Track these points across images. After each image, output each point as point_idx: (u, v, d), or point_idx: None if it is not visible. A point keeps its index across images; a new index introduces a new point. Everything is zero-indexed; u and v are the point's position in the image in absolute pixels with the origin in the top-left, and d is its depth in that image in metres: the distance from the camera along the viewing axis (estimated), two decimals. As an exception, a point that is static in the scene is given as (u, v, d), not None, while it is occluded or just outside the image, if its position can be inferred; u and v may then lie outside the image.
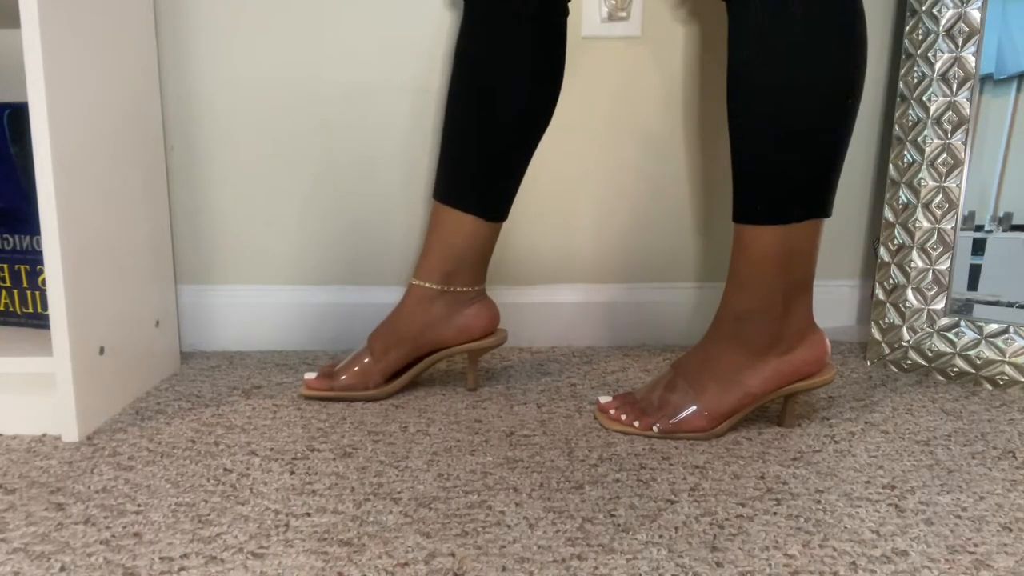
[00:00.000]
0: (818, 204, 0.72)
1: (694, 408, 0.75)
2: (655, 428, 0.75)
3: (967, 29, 0.93)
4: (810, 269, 0.74)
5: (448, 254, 0.84)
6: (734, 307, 0.76)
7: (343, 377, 0.86)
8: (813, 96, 0.69)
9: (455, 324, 0.86)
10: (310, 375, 0.87)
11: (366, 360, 0.86)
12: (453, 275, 0.85)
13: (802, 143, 0.70)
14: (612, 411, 0.78)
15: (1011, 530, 0.58)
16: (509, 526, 0.58)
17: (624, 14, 1.01)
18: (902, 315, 0.99)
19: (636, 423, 0.76)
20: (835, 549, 0.55)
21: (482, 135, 0.82)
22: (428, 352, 0.87)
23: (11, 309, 0.85)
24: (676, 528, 0.58)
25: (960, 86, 0.94)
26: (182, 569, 0.52)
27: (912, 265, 0.98)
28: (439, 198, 0.85)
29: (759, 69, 0.70)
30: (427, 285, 0.85)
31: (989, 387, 0.92)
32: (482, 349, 0.87)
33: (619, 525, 0.58)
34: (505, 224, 1.05)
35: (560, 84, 0.84)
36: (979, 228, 0.95)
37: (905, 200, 0.98)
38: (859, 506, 0.62)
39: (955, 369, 0.94)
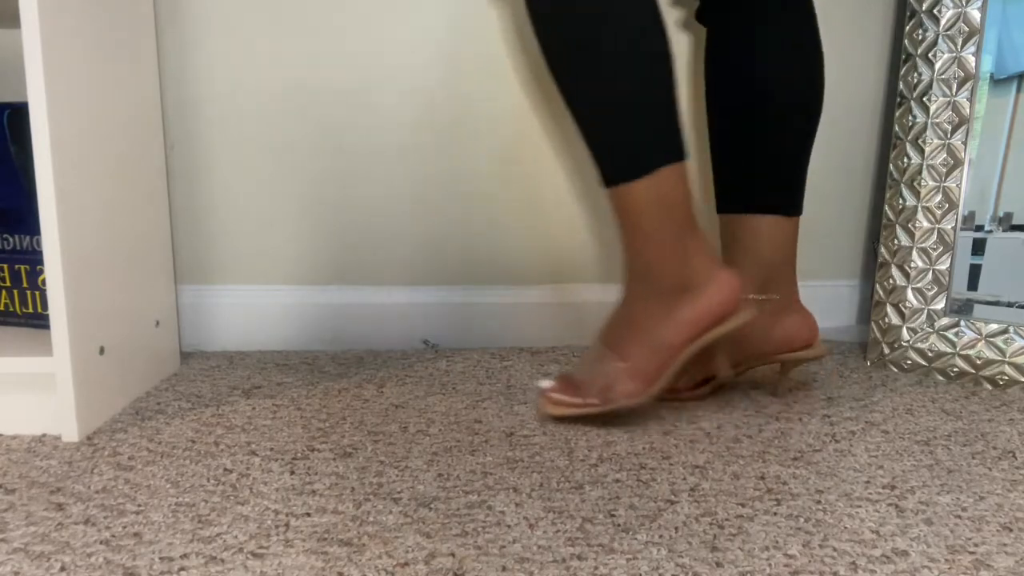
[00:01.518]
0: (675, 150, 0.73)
1: (622, 374, 0.75)
2: (592, 401, 0.75)
3: (967, 29, 0.93)
4: (690, 211, 0.74)
5: (757, 261, 0.84)
6: (635, 266, 0.76)
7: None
8: None
9: (776, 336, 0.85)
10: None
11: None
12: (766, 283, 0.84)
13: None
14: (554, 395, 0.77)
15: (1011, 530, 0.58)
16: (509, 526, 0.58)
17: (624, 14, 1.01)
18: (902, 315, 0.99)
19: (576, 401, 0.76)
20: (835, 549, 0.55)
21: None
22: (739, 360, 0.86)
23: (11, 309, 0.85)
24: (676, 528, 0.58)
25: (960, 86, 0.94)
26: (182, 569, 0.52)
27: (912, 265, 0.98)
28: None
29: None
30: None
31: (989, 387, 0.92)
32: (801, 360, 0.86)
33: (619, 525, 0.58)
34: (505, 224, 1.05)
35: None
36: (979, 228, 0.95)
37: (905, 200, 0.98)
38: (859, 506, 0.62)
39: (955, 369, 0.94)
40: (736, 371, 0.86)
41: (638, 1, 0.68)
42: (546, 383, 0.79)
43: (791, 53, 0.81)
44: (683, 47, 1.04)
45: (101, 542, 0.56)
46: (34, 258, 0.82)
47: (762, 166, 0.83)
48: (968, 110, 0.93)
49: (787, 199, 0.83)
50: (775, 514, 0.60)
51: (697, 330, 0.74)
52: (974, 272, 0.95)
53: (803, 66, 0.82)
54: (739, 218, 0.84)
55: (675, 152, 0.72)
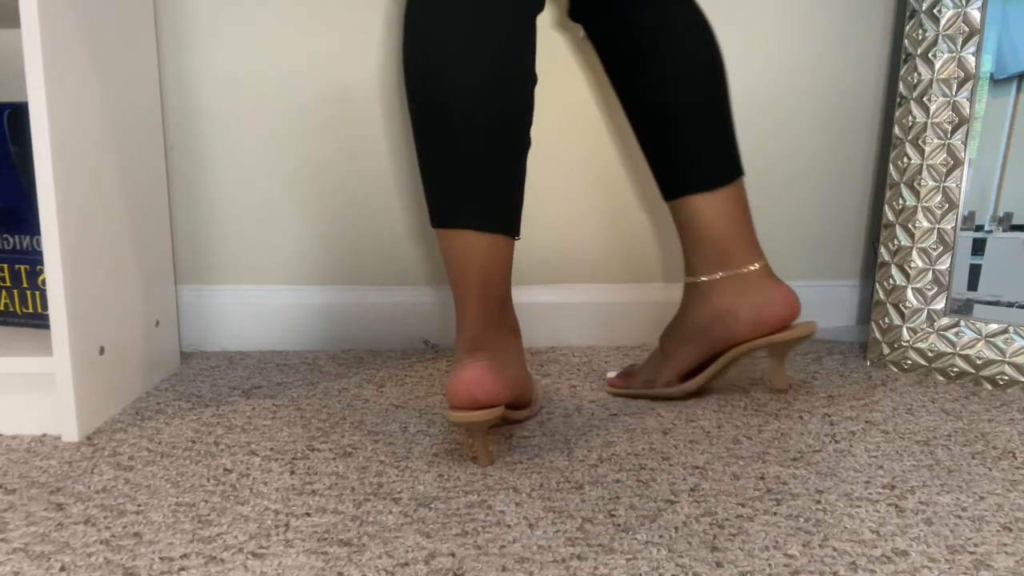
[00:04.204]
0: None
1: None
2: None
3: (967, 29, 0.93)
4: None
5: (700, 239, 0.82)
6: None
7: (641, 376, 0.87)
8: None
9: (744, 317, 0.79)
10: (611, 374, 0.90)
11: (658, 359, 0.87)
12: (720, 260, 0.81)
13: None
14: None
15: (1011, 530, 0.58)
16: (509, 526, 0.58)
17: (624, 14, 1.01)
18: (902, 315, 0.99)
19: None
20: (835, 549, 0.55)
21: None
22: (723, 349, 0.82)
23: (11, 309, 0.85)
24: (676, 528, 0.58)
25: (960, 86, 0.94)
26: (182, 569, 0.52)
27: (912, 265, 0.98)
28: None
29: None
30: (697, 279, 0.82)
31: (989, 387, 0.92)
32: (782, 343, 0.78)
33: (619, 525, 0.58)
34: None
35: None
36: (979, 228, 0.95)
37: (905, 200, 0.98)
38: (859, 506, 0.62)
39: (955, 369, 0.94)
40: (722, 366, 0.82)
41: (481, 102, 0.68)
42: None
43: (678, 29, 0.80)
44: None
45: (101, 542, 0.56)
46: (34, 258, 0.82)
47: (678, 148, 0.81)
48: (968, 110, 0.93)
49: (712, 173, 0.80)
50: (775, 514, 0.60)
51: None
52: (974, 272, 0.95)
53: (692, 38, 0.80)
54: (676, 204, 0.83)
55: (468, 220, 0.70)
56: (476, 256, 0.70)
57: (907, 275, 0.98)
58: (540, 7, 0.72)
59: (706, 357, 0.83)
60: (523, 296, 1.08)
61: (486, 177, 0.69)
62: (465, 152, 0.68)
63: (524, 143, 0.71)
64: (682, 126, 0.81)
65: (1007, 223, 0.94)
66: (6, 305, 0.85)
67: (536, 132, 1.05)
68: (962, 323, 0.95)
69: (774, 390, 0.85)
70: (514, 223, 0.72)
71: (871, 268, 1.12)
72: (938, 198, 0.96)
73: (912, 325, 0.98)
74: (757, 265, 0.80)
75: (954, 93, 0.94)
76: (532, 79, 0.71)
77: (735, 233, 0.80)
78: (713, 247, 0.81)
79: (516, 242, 1.07)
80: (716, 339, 0.81)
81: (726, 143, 0.82)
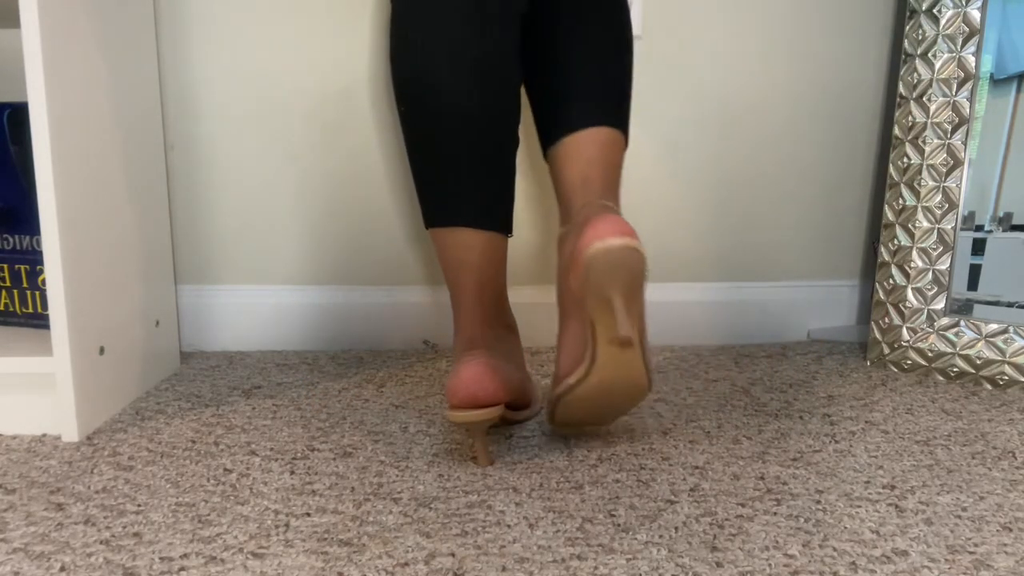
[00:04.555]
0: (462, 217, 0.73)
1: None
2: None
3: (967, 29, 0.93)
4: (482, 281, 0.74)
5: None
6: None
7: None
8: None
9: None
10: None
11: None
12: (566, 217, 0.73)
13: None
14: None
15: (1011, 530, 0.58)
16: (509, 526, 0.58)
17: (624, 14, 1.01)
18: (902, 315, 0.99)
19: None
20: (835, 549, 0.55)
21: None
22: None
23: (11, 309, 0.85)
24: (676, 528, 0.58)
25: (960, 86, 0.94)
26: (182, 569, 0.52)
27: (912, 265, 0.98)
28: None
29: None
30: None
31: (989, 387, 0.92)
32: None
33: (619, 525, 0.58)
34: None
35: None
36: (979, 228, 0.95)
37: (905, 200, 0.98)
38: (859, 506, 0.62)
39: (955, 369, 0.94)
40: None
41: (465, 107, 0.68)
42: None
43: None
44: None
45: (101, 542, 0.56)
46: (34, 258, 0.82)
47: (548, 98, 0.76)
48: (968, 110, 0.93)
49: (558, 124, 0.74)
50: (775, 514, 0.60)
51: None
52: (974, 272, 0.95)
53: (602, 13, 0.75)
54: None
55: (458, 218, 0.70)
56: (470, 254, 0.70)
57: (907, 275, 0.98)
58: (525, 8, 0.71)
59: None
60: (522, 296, 1.08)
61: (476, 176, 0.69)
62: (454, 152, 0.68)
63: (513, 142, 0.72)
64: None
65: (1007, 223, 0.94)
66: (6, 305, 0.85)
67: (531, 133, 1.05)
68: (962, 323, 0.95)
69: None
70: (506, 220, 0.72)
71: (871, 268, 1.12)
72: (938, 198, 0.96)
73: (912, 325, 0.98)
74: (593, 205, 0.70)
75: (954, 93, 0.94)
76: (518, 79, 0.71)
77: (567, 188, 0.73)
78: (563, 203, 0.74)
79: (515, 243, 1.07)
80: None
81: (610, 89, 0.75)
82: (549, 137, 0.74)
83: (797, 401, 0.86)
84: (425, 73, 0.67)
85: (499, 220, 0.71)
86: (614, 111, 0.74)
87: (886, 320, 1.00)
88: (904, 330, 0.98)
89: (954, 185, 0.95)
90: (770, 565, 0.53)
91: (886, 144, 1.09)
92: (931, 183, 0.96)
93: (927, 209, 0.97)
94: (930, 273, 0.97)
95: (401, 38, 0.69)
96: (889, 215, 0.99)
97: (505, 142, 0.71)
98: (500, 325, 0.73)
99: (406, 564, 0.53)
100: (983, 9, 0.92)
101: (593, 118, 0.72)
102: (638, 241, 0.60)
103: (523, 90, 0.77)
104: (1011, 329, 0.91)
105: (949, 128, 0.95)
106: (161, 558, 0.54)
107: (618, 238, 0.59)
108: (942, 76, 0.95)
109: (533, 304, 1.08)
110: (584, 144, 0.71)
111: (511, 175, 0.72)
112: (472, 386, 0.64)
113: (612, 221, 0.60)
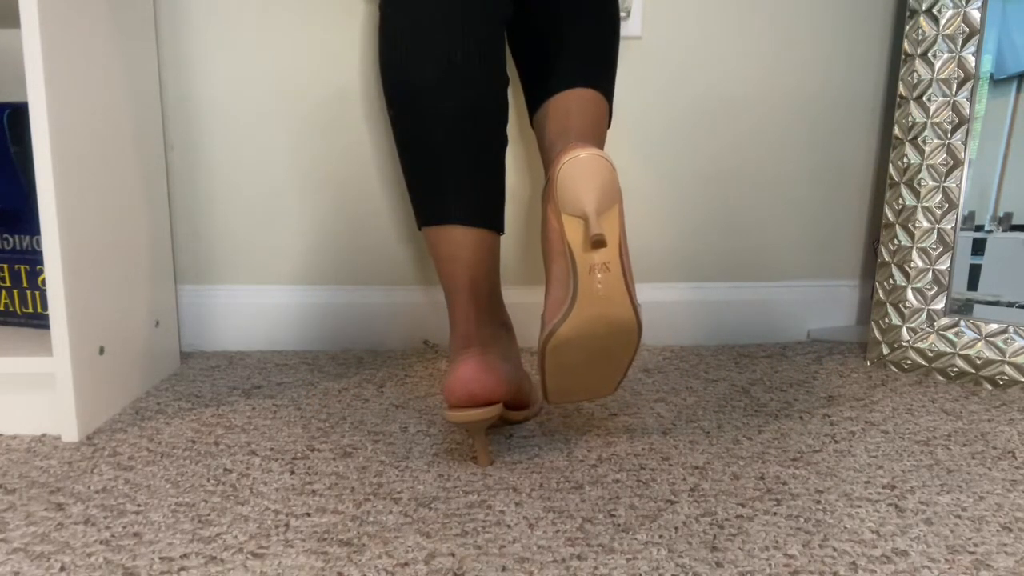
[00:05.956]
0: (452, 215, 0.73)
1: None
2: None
3: (967, 29, 0.93)
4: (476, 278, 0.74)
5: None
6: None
7: None
8: None
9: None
10: None
11: None
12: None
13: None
14: None
15: (1011, 530, 0.58)
16: (509, 526, 0.58)
17: (624, 14, 1.01)
18: (902, 315, 0.99)
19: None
20: (835, 549, 0.55)
21: None
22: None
23: (11, 309, 0.85)
24: (676, 528, 0.58)
25: (960, 86, 0.94)
26: (182, 569, 0.52)
27: (912, 265, 0.98)
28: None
29: None
30: None
31: (989, 387, 0.92)
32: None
33: (619, 525, 0.58)
34: (505, 225, 1.05)
35: None
36: (979, 228, 0.95)
37: (905, 200, 0.98)
38: (859, 506, 0.62)
39: (955, 369, 0.94)
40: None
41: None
42: None
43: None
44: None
45: (101, 542, 0.56)
46: (34, 258, 0.82)
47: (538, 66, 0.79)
48: (968, 110, 0.93)
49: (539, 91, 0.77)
50: (775, 514, 0.60)
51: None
52: (974, 272, 0.95)
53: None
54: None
55: (448, 216, 0.70)
56: (463, 252, 0.70)
57: (907, 275, 0.98)
58: (508, 10, 0.72)
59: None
60: (519, 296, 1.08)
61: (465, 175, 0.70)
62: (442, 153, 0.69)
63: (501, 141, 0.73)
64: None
65: (1007, 223, 0.94)
66: (6, 305, 0.85)
67: (528, 133, 1.04)
68: (962, 323, 0.95)
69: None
70: (497, 218, 0.72)
71: (871, 268, 1.12)
72: (938, 198, 0.96)
73: (912, 325, 0.98)
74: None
75: (954, 93, 0.94)
76: (504, 80, 0.72)
77: (547, 141, 0.76)
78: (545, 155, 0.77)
79: (509, 243, 1.07)
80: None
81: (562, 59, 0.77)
82: (535, 105, 0.78)
83: (797, 401, 0.86)
84: (411, 77, 0.69)
85: (489, 217, 0.72)
86: (595, 76, 0.77)
87: (886, 320, 1.00)
88: (904, 330, 0.98)
89: (954, 185, 0.95)
90: (770, 565, 0.53)
91: (886, 144, 1.09)
92: (931, 183, 0.96)
93: (927, 209, 0.97)
94: (930, 273, 0.97)
95: (388, 43, 0.71)
96: (889, 215, 0.99)
97: (492, 141, 0.72)
98: (495, 323, 0.74)
99: (406, 564, 0.53)
100: (983, 9, 0.92)
101: (574, 81, 0.75)
102: (606, 155, 0.62)
103: (513, 91, 0.78)
104: (1011, 329, 0.91)
105: (949, 128, 0.95)
106: (161, 558, 0.54)
107: (584, 151, 0.61)
108: (942, 76, 0.95)
109: (528, 304, 1.08)
110: (563, 101, 0.75)
111: (500, 173, 0.73)
112: (469, 383, 0.65)
113: (582, 144, 0.62)
